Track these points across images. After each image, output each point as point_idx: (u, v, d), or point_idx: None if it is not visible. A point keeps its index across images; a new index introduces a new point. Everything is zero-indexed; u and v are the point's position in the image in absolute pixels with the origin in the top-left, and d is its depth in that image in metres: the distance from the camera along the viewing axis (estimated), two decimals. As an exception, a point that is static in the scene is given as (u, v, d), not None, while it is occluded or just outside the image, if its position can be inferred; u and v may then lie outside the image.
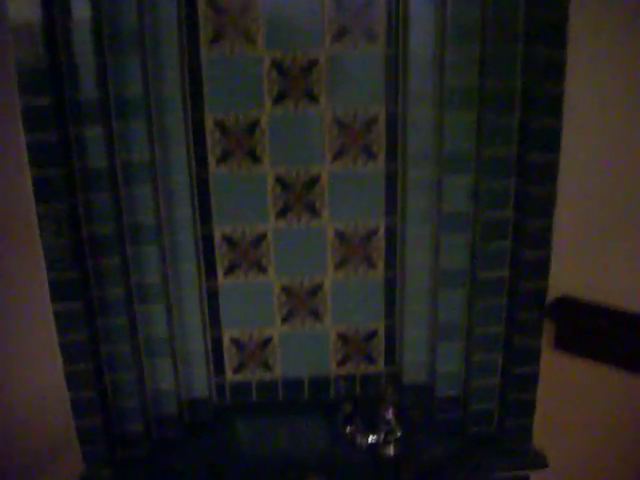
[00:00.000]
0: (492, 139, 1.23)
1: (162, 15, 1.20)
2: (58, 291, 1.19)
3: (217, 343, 1.49)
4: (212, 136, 1.33)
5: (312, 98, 1.32)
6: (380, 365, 1.54)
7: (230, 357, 1.50)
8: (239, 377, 1.52)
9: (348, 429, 1.37)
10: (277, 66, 1.30)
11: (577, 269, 1.25)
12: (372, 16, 1.28)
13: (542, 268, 1.26)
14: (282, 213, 1.40)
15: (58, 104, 1.10)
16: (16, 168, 1.33)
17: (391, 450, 1.36)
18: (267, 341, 1.50)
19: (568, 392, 1.44)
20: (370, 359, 1.53)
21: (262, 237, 1.41)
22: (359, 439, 1.35)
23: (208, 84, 1.30)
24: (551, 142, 1.18)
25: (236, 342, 1.49)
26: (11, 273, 1.61)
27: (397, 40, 1.29)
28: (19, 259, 1.61)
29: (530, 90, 1.17)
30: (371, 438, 1.35)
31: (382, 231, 1.43)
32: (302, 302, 1.47)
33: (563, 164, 1.17)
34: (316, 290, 1.46)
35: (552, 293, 1.31)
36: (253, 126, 1.33)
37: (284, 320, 1.48)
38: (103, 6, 1.13)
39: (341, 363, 1.53)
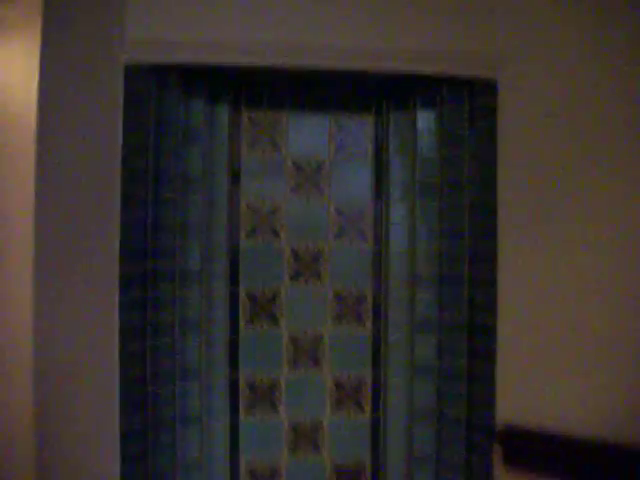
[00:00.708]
0: (450, 308, 1.71)
1: (215, 211, 1.73)
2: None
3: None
4: (244, 305, 1.80)
5: (318, 276, 1.82)
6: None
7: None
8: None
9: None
10: (294, 253, 1.80)
11: (520, 401, 1.64)
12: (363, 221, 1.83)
13: (490, 405, 1.67)
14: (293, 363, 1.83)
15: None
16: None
17: None
18: (275, 472, 1.84)
19: None
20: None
21: (276, 383, 1.82)
22: None
23: (242, 264, 1.79)
24: (490, 306, 1.65)
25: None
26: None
27: (381, 238, 1.82)
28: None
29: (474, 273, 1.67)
30: None
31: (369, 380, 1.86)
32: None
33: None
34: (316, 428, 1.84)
35: (499, 421, 1.70)
36: (274, 296, 1.80)
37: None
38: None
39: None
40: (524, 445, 1.64)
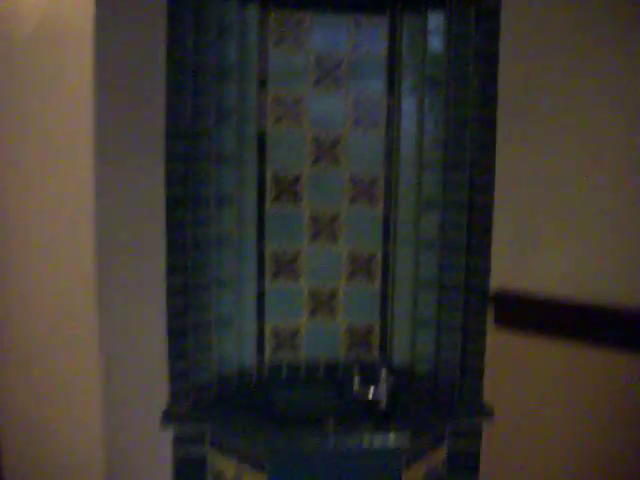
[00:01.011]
0: (453, 189, 1.95)
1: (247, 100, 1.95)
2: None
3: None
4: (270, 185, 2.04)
5: (336, 162, 2.06)
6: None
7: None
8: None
9: (356, 388, 1.96)
10: (315, 139, 2.03)
11: (512, 270, 1.90)
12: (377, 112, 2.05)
13: (485, 274, 1.93)
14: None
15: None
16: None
17: (383, 405, 1.96)
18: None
19: (509, 359, 2.02)
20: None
21: (298, 255, 2.09)
22: (363, 394, 1.95)
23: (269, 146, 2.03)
24: (489, 188, 1.89)
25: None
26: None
27: (393, 128, 2.05)
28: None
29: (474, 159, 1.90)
30: (372, 392, 1.95)
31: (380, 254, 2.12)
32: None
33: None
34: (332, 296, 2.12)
35: (492, 287, 1.97)
36: (298, 178, 2.04)
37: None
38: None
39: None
40: (512, 307, 1.92)
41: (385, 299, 2.15)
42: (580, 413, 1.86)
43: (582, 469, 1.89)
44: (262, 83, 2.03)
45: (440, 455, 1.96)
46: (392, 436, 1.79)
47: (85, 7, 1.66)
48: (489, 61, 1.89)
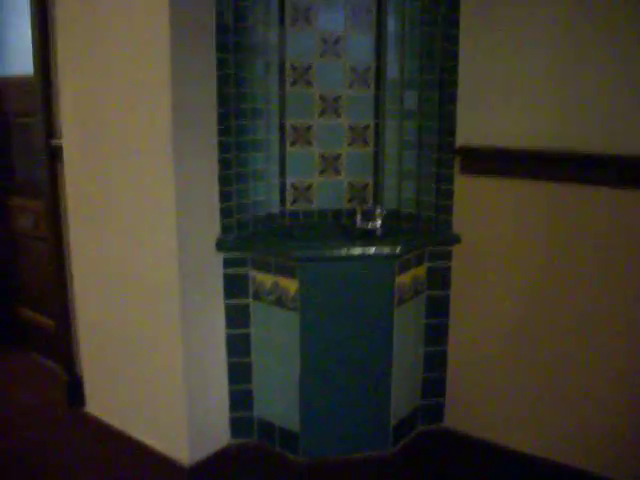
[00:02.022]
0: (428, 72, 2.59)
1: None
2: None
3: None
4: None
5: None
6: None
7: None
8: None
9: (358, 223, 2.63)
10: (321, 36, 2.66)
11: (472, 129, 2.54)
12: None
13: (453, 134, 2.58)
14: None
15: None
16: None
17: (379, 231, 2.62)
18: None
19: (473, 198, 2.63)
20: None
21: (311, 126, 2.73)
22: (364, 225, 2.62)
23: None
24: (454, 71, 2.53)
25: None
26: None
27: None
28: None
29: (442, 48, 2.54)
30: (370, 224, 2.62)
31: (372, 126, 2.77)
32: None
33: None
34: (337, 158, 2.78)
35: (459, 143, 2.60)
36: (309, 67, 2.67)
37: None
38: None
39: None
40: (473, 158, 2.57)
41: (377, 159, 2.81)
42: (532, 236, 2.49)
43: (534, 280, 2.53)
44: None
45: (422, 270, 2.65)
46: (386, 248, 2.46)
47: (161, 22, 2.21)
48: None
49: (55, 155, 3.02)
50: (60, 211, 3.10)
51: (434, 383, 2.76)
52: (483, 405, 2.69)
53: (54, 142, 3.01)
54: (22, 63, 3.29)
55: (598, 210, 2.31)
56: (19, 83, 3.50)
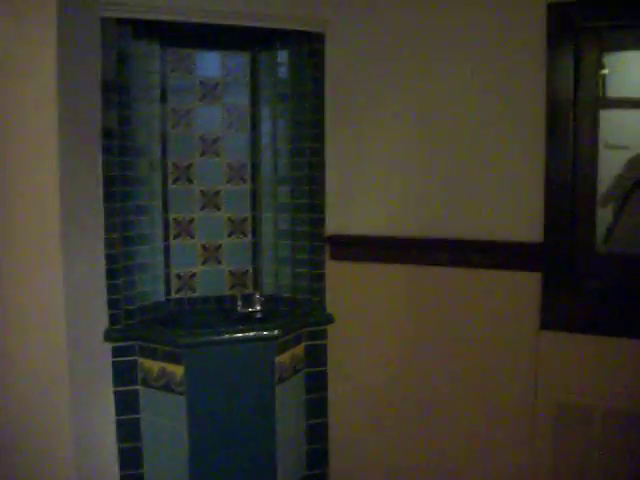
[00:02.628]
0: (298, 169, 2.89)
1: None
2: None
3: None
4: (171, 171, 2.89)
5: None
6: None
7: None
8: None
9: (239, 308, 2.84)
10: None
11: (342, 221, 2.83)
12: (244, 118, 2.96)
13: (323, 224, 2.88)
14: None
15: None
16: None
17: (258, 314, 2.84)
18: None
19: (343, 280, 2.91)
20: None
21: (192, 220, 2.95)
22: (245, 309, 2.83)
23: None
24: (321, 166, 2.85)
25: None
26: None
27: (256, 126, 2.98)
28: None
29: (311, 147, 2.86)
30: (250, 309, 2.84)
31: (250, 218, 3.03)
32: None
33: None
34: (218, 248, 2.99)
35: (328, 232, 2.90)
36: (189, 166, 2.91)
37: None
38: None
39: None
40: (341, 245, 2.87)
41: (255, 248, 3.05)
42: (394, 310, 2.80)
43: (399, 355, 2.82)
44: (163, 99, 2.88)
45: (300, 349, 2.88)
46: (266, 331, 2.68)
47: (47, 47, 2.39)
48: (318, 82, 2.84)
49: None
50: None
51: (318, 454, 2.96)
52: (365, 470, 2.93)
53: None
54: None
55: (439, 285, 2.71)
56: None
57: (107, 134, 2.60)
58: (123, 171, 2.67)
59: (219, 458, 2.67)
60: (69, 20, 2.41)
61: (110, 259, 2.63)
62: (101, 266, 2.62)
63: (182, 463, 2.64)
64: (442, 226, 2.68)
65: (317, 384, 2.93)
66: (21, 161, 2.48)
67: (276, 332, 2.68)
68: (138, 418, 2.73)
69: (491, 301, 2.61)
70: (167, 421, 2.67)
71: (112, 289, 2.65)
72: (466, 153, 2.62)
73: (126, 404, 2.70)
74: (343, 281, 2.90)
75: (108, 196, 2.61)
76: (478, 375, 2.66)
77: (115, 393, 2.69)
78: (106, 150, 2.60)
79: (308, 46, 2.83)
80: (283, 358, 2.77)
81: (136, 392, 2.71)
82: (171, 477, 2.70)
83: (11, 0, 2.44)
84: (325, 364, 2.94)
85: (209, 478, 2.68)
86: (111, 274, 2.64)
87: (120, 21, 2.60)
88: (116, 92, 2.62)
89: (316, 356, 2.92)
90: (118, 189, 2.64)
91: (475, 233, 2.61)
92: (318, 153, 2.86)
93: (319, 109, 2.85)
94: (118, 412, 2.70)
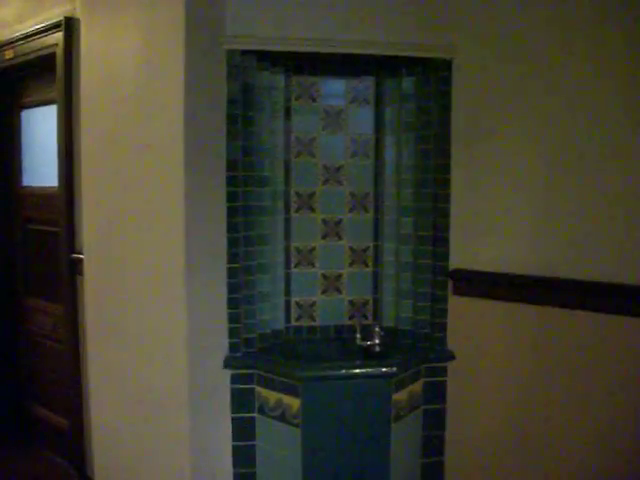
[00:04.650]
0: (422, 198, 2.80)
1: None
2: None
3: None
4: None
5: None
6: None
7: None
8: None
9: (358, 340, 2.79)
10: (325, 167, 2.89)
11: (466, 254, 2.73)
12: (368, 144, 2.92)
13: (447, 257, 2.78)
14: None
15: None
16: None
17: (377, 348, 2.78)
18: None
19: (465, 318, 2.80)
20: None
21: (313, 248, 2.93)
22: (364, 342, 2.78)
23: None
24: (446, 197, 2.75)
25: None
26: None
27: (379, 155, 2.92)
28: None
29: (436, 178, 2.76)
30: (369, 342, 2.78)
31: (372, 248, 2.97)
32: (331, 284, 2.96)
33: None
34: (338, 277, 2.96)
35: (452, 266, 2.80)
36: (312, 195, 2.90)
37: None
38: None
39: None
40: (466, 280, 2.76)
41: (376, 279, 2.99)
42: (518, 352, 2.66)
43: (519, 396, 2.68)
44: (287, 128, 2.89)
45: (418, 386, 2.80)
46: (386, 366, 2.62)
47: (176, 84, 2.46)
48: (444, 110, 2.74)
49: (75, 266, 3.24)
50: (79, 317, 3.29)
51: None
52: None
53: (74, 256, 3.23)
54: (48, 175, 3.55)
55: (575, 332, 2.50)
56: (45, 194, 3.74)
57: (231, 165, 2.63)
58: (246, 201, 2.70)
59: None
60: (196, 53, 2.46)
61: (232, 288, 2.68)
62: (223, 295, 2.66)
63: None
64: (571, 265, 2.50)
65: (435, 421, 2.84)
66: (151, 192, 2.57)
67: (395, 369, 2.62)
68: (254, 445, 2.75)
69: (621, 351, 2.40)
70: (281, 451, 2.68)
71: (233, 317, 2.70)
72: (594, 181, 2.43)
73: (243, 430, 2.74)
74: (465, 317, 2.78)
75: (231, 226, 2.64)
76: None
77: (233, 419, 2.73)
78: (230, 180, 2.63)
79: (435, 73, 2.74)
80: (401, 395, 2.70)
81: (253, 419, 2.74)
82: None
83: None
84: (444, 401, 2.84)
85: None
86: (233, 302, 2.68)
87: (245, 52, 2.62)
88: (241, 123, 2.64)
89: (435, 393, 2.83)
90: (241, 219, 2.67)
91: (608, 274, 2.40)
92: (443, 184, 2.76)
93: (445, 138, 2.74)
94: (235, 438, 2.74)
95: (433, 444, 2.85)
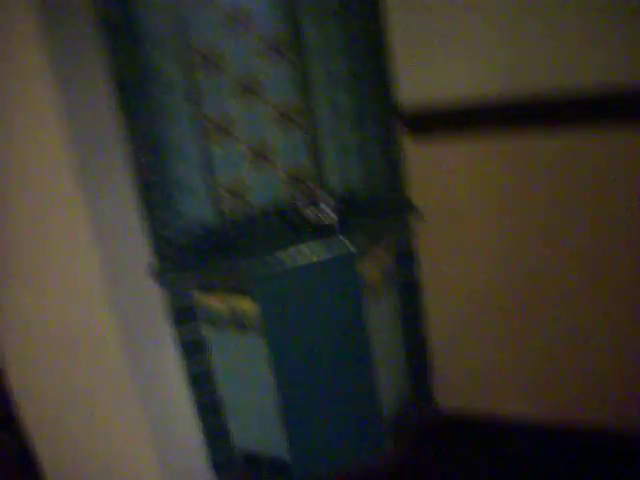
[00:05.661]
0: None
1: None
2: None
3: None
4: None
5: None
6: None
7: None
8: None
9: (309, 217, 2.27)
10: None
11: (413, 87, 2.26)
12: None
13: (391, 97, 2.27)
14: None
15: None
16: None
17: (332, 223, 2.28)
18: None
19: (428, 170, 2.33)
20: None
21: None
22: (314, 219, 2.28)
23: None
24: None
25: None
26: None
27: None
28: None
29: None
30: (321, 217, 2.27)
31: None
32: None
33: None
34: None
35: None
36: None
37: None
38: None
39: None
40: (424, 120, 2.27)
41: (315, 141, 2.45)
42: (491, 197, 2.27)
43: (508, 243, 2.31)
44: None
45: (388, 259, 2.40)
46: (346, 242, 2.16)
47: None
48: None
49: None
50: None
51: (420, 370, 2.55)
52: (470, 382, 2.57)
53: None
54: None
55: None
56: None
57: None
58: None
59: (312, 394, 2.29)
60: None
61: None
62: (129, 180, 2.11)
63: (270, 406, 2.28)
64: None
65: (411, 294, 2.48)
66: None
67: (359, 243, 2.18)
68: (208, 362, 2.33)
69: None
70: (244, 364, 2.28)
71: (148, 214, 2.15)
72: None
73: (192, 350, 2.31)
74: (429, 169, 2.33)
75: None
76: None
77: (177, 340, 2.28)
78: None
79: None
80: (370, 272, 2.28)
81: (200, 335, 2.30)
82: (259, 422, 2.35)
83: None
84: (418, 270, 2.46)
85: (304, 418, 2.32)
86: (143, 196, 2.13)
87: None
88: None
89: (407, 263, 2.44)
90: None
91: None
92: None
93: None
94: (184, 359, 2.30)
95: (413, 317, 2.50)
